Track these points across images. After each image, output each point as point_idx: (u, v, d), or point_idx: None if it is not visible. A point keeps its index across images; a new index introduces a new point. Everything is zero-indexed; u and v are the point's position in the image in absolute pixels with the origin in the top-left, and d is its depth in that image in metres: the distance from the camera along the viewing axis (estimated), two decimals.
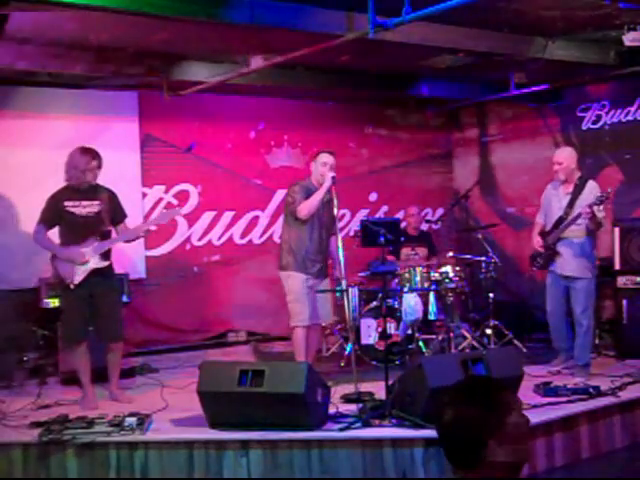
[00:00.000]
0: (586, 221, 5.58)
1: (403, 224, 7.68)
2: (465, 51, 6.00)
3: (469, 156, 9.06)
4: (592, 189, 5.69)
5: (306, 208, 5.54)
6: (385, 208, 8.63)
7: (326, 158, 5.65)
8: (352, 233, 7.75)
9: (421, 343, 6.63)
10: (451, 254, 7.24)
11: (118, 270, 5.71)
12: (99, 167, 5.35)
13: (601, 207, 5.56)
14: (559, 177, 5.82)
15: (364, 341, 6.49)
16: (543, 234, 5.96)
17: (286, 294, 5.69)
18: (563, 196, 5.83)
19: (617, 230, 6.71)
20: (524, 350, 6.83)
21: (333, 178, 5.49)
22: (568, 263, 5.77)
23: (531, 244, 6.12)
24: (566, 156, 5.84)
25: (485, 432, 1.78)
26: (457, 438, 1.82)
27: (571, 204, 5.73)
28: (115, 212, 5.49)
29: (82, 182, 5.31)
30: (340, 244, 5.31)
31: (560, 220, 5.78)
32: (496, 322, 6.91)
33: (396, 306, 6.49)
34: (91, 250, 5.28)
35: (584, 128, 7.78)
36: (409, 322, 6.43)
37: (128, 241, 5.60)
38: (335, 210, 5.50)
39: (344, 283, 5.40)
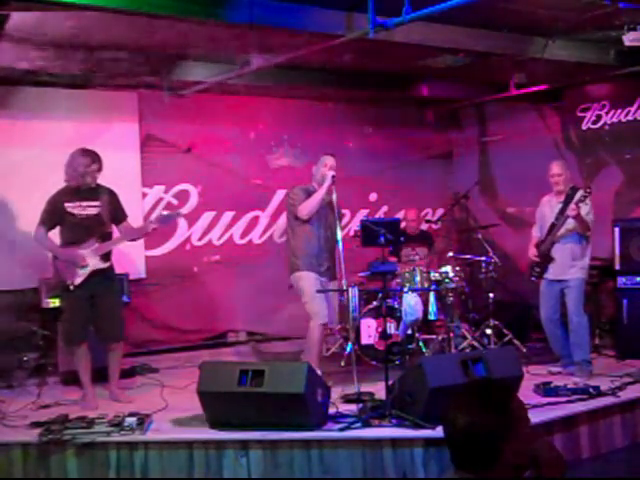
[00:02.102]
0: (575, 223, 5.74)
1: (402, 224, 7.67)
2: (465, 51, 6.00)
3: (469, 156, 9.06)
4: (581, 194, 5.80)
5: (306, 207, 5.57)
6: (385, 208, 8.63)
7: (328, 160, 5.77)
8: (352, 233, 7.74)
9: (421, 343, 6.63)
10: (451, 254, 7.24)
11: (118, 270, 5.71)
12: (99, 170, 5.35)
13: (587, 205, 5.72)
14: (559, 188, 5.97)
15: (364, 341, 6.49)
16: (538, 245, 6.09)
17: (301, 296, 5.66)
18: (556, 205, 5.99)
19: (617, 230, 6.71)
20: (524, 350, 6.83)
21: (333, 177, 5.56)
22: (561, 266, 5.89)
23: (530, 246, 6.19)
24: (563, 167, 6.05)
25: (499, 437, 1.79)
26: (471, 443, 1.81)
27: (562, 211, 5.87)
28: (116, 212, 5.49)
29: (82, 184, 5.31)
30: (340, 245, 5.33)
31: (552, 227, 5.92)
32: (496, 322, 6.91)
33: (396, 306, 6.48)
34: (91, 252, 5.28)
35: (584, 128, 7.78)
36: (409, 322, 6.43)
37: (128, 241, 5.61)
38: (335, 200, 5.53)
39: (344, 283, 5.42)
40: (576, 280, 5.85)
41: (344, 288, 5.46)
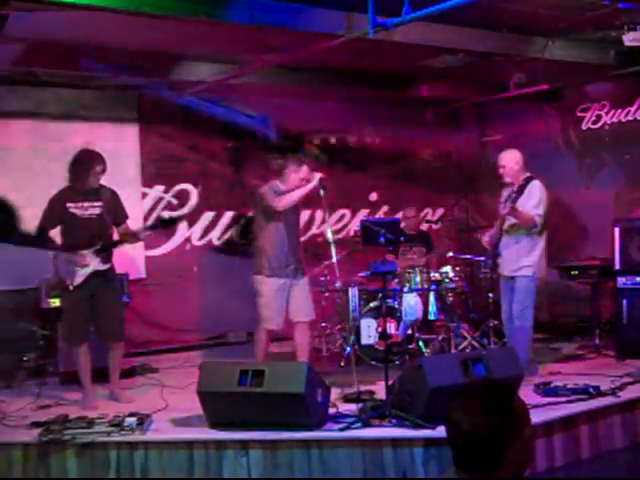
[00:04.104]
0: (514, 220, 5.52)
1: (402, 224, 7.66)
2: (465, 51, 6.01)
3: (469, 156, 9.06)
4: (530, 189, 5.58)
5: (284, 200, 5.48)
6: (385, 208, 8.63)
7: (306, 168, 5.61)
8: (352, 233, 7.74)
9: (421, 343, 6.63)
10: (451, 254, 7.24)
11: (118, 270, 5.70)
12: (103, 172, 5.32)
13: (535, 198, 5.49)
14: (505, 180, 5.70)
15: (364, 341, 6.49)
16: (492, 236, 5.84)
17: (257, 297, 5.66)
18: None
19: (617, 230, 6.70)
20: None
21: (321, 179, 5.46)
22: (508, 262, 5.70)
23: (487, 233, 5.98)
24: (509, 158, 5.70)
25: (503, 438, 1.78)
26: (476, 445, 1.80)
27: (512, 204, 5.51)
28: (116, 213, 5.48)
29: (85, 186, 5.30)
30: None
31: (502, 221, 5.68)
32: (496, 322, 6.90)
33: (396, 306, 6.48)
34: (92, 253, 5.27)
35: (584, 128, 7.78)
36: (409, 322, 6.43)
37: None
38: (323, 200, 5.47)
39: (338, 284, 5.45)
40: (522, 279, 5.60)
41: (342, 289, 5.46)
